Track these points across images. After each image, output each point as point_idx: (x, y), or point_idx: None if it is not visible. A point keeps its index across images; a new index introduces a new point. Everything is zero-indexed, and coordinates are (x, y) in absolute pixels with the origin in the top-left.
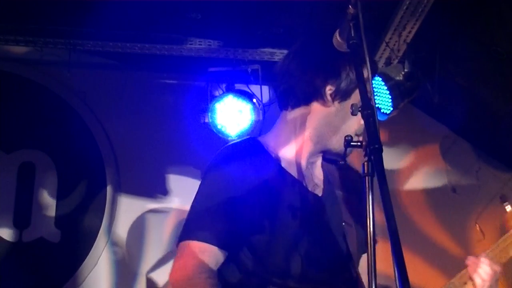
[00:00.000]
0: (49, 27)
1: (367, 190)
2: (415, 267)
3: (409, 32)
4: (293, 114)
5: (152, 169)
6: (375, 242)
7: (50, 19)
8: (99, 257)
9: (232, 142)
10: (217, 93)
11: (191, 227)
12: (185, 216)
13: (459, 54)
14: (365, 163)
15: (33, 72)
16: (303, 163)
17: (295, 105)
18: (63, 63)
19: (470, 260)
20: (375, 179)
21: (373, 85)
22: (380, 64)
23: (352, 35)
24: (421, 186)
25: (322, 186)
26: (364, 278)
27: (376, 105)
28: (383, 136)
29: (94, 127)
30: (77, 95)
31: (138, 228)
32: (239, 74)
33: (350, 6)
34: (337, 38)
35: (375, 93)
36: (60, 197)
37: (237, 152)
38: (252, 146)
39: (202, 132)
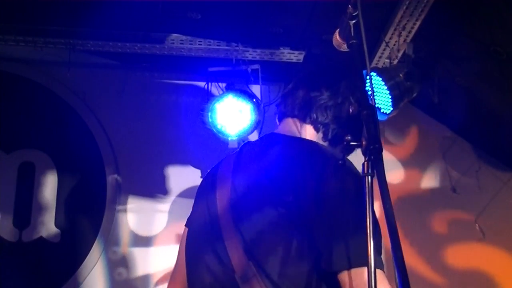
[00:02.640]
0: (49, 27)
1: (367, 190)
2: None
3: (409, 32)
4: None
5: (152, 169)
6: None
7: (50, 19)
8: (99, 257)
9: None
10: (217, 93)
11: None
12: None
13: (459, 54)
14: (365, 163)
15: (33, 72)
16: None
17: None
18: (63, 63)
19: None
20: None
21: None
22: (380, 64)
23: (352, 34)
24: (421, 186)
25: None
26: None
27: (376, 105)
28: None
29: (93, 127)
30: (77, 95)
31: (138, 227)
32: (239, 74)
33: (350, 6)
34: (337, 37)
35: (375, 93)
36: (60, 197)
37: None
38: None
39: (202, 132)
